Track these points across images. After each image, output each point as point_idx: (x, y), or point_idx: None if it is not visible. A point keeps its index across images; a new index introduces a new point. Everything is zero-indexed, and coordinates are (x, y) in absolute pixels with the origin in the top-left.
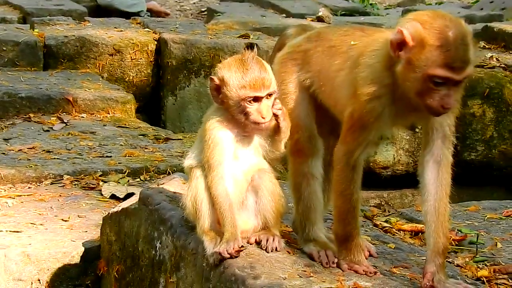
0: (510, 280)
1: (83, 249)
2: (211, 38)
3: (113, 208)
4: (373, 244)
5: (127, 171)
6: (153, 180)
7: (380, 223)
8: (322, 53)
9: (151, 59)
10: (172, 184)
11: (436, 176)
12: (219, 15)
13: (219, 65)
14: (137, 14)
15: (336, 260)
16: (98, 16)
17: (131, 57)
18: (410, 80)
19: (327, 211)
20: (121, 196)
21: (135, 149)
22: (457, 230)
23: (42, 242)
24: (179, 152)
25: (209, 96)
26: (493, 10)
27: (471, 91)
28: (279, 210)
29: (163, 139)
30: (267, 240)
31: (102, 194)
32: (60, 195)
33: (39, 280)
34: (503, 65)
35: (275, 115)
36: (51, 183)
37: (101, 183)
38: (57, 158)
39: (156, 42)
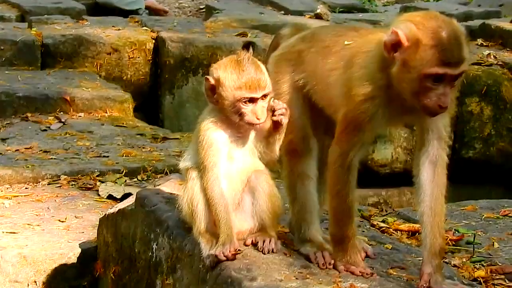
0: (507, 280)
1: (79, 250)
2: (209, 36)
3: (110, 208)
4: (370, 245)
5: (124, 171)
6: (150, 180)
7: (377, 223)
8: (316, 53)
9: (149, 58)
10: (169, 185)
11: (432, 177)
12: (217, 13)
13: (214, 66)
14: (136, 11)
15: (332, 261)
16: (97, 14)
17: (129, 56)
18: (406, 80)
19: (324, 211)
20: (118, 197)
21: (132, 148)
22: (454, 230)
23: (38, 243)
24: (177, 152)
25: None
26: (491, 7)
27: (468, 89)
28: (275, 211)
29: (161, 138)
30: (263, 242)
31: (99, 195)
32: (57, 196)
33: (35, 281)
34: (500, 63)
35: (282, 114)
36: (48, 184)
37: (98, 183)
38: (54, 158)
39: (154, 41)
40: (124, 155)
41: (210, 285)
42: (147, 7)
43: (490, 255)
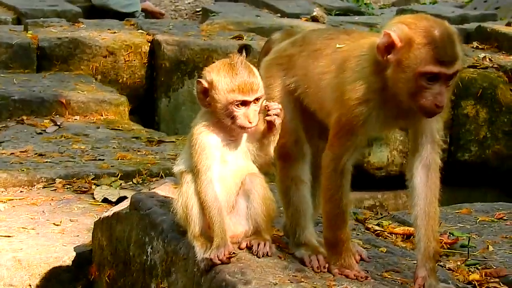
0: (501, 284)
1: (74, 253)
2: (204, 39)
3: (105, 212)
4: (364, 248)
5: (119, 174)
6: (145, 183)
7: (372, 227)
8: (307, 57)
9: (145, 61)
10: (164, 189)
11: (426, 180)
12: (214, 15)
13: (206, 69)
14: (132, 14)
15: (327, 264)
16: (93, 17)
17: (125, 59)
18: (401, 81)
19: (319, 215)
20: (113, 200)
21: (127, 152)
22: (449, 233)
23: (33, 247)
24: (172, 155)
25: None
26: (487, 9)
27: (464, 92)
28: (270, 215)
29: (156, 141)
30: (258, 245)
31: (94, 198)
32: (52, 199)
33: (30, 285)
34: (496, 66)
35: (276, 115)
36: (43, 187)
37: (93, 186)
38: (50, 162)
39: (149, 44)
40: (120, 158)
41: None
42: (143, 10)
43: (485, 258)
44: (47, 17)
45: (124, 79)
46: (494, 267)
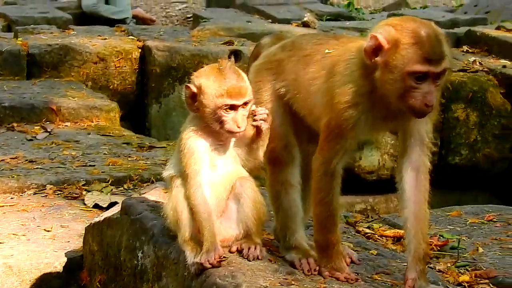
0: (491, 285)
1: (65, 259)
2: (195, 45)
3: (96, 217)
4: (355, 251)
5: (110, 180)
6: (136, 188)
7: (363, 229)
8: (296, 62)
9: (135, 67)
10: (154, 193)
11: (415, 183)
12: (205, 21)
13: (195, 74)
14: (123, 21)
15: (317, 267)
16: (84, 24)
17: (115, 65)
18: (390, 82)
19: (309, 218)
20: (104, 206)
21: (118, 157)
22: (439, 235)
23: (24, 253)
24: (163, 160)
25: None
26: (477, 14)
27: (454, 95)
28: (260, 218)
29: (147, 147)
30: (248, 249)
31: (85, 204)
32: (42, 205)
33: None
34: (486, 69)
35: (262, 120)
36: (34, 193)
37: (84, 192)
38: (40, 168)
39: (140, 50)
40: (110, 164)
41: None
42: (134, 16)
43: (475, 260)
44: (37, 24)
45: (115, 85)
46: (484, 269)
